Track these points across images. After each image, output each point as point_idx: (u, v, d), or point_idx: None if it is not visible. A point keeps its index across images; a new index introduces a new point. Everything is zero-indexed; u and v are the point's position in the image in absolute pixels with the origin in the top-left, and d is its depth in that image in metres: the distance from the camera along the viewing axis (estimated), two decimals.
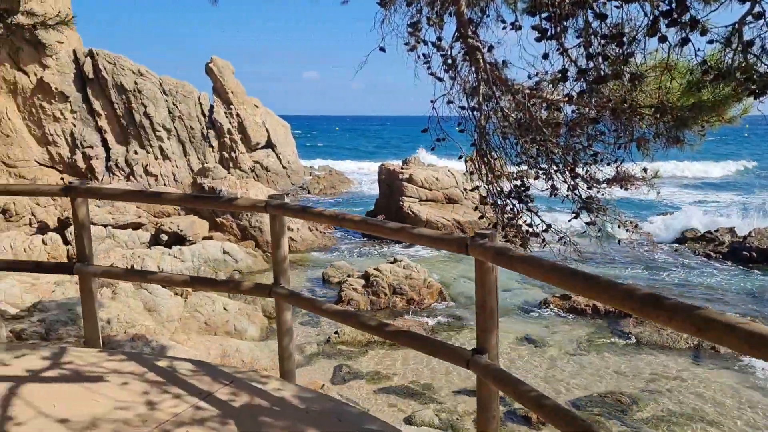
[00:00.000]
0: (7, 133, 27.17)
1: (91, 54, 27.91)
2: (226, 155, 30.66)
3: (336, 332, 11.60)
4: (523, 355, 10.60)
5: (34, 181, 18.61)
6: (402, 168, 22.11)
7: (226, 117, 30.79)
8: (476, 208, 5.85)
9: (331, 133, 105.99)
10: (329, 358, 10.70)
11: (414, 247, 19.01)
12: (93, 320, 4.41)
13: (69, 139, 28.19)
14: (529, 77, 5.12)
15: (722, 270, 16.54)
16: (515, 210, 5.20)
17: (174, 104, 29.43)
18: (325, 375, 9.93)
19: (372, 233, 3.24)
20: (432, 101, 5.04)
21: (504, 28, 5.02)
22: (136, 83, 28.31)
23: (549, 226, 5.13)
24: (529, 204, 5.19)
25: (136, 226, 16.46)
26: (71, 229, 15.47)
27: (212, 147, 30.50)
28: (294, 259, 17.76)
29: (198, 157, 30.18)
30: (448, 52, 5.06)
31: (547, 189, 5.11)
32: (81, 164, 28.12)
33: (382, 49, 5.09)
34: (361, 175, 40.03)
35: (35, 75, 26.95)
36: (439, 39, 5.09)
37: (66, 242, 15.29)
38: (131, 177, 28.50)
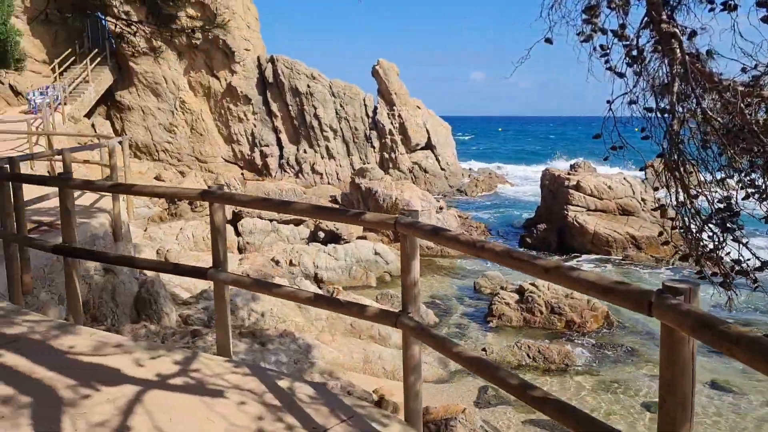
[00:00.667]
0: (201, 132, 30.74)
1: (272, 60, 30.36)
2: (386, 156, 31.30)
3: (484, 348, 10.87)
4: (710, 406, 8.84)
5: (217, 177, 20.58)
6: (568, 174, 20.41)
7: (389, 118, 31.41)
8: (660, 233, 4.77)
9: (495, 135, 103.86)
10: (475, 377, 9.99)
11: (577, 261, 17.36)
12: (224, 327, 4.31)
13: (250, 138, 31.01)
14: (744, 70, 3.96)
15: None
16: (716, 239, 4.07)
17: (341, 106, 30.79)
18: (468, 396, 9.26)
19: (516, 269, 2.54)
20: (608, 101, 4.14)
21: (711, 9, 3.94)
22: (308, 86, 30.15)
23: (765, 263, 3.90)
24: (737, 233, 4.02)
25: (298, 222, 17.31)
26: (242, 222, 16.76)
27: (374, 147, 31.36)
28: (445, 265, 17.31)
29: (360, 157, 31.24)
30: (634, 42, 4.11)
31: (764, 216, 3.90)
32: (258, 161, 30.78)
33: (548, 41, 4.30)
34: (522, 179, 38.26)
35: (225, 80, 30.07)
36: (623, 26, 4.16)
37: (237, 233, 16.57)
38: (299, 174, 30.46)
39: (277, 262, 14.56)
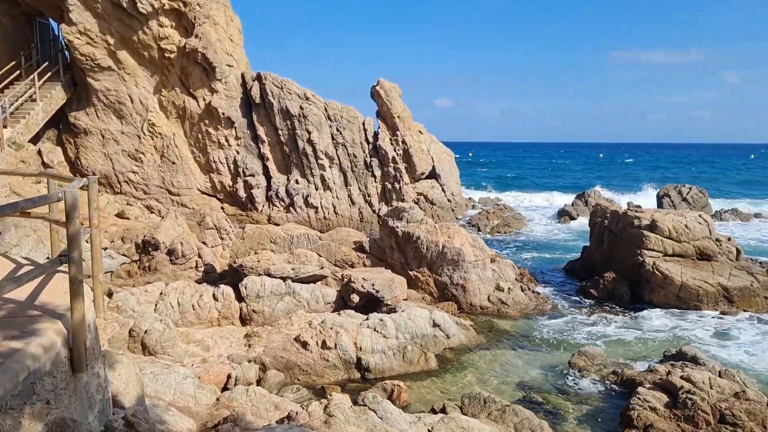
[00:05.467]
0: (173, 160, 26.23)
1: (259, 77, 26.30)
2: (389, 186, 27.47)
3: None
4: None
5: (204, 217, 16.26)
6: (637, 211, 16.98)
7: (392, 144, 27.69)
8: None
9: (471, 161, 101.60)
10: None
11: (704, 327, 13.43)
12: None
13: (231, 166, 26.68)
14: None
15: None
16: None
17: (338, 130, 26.91)
18: None
19: None
20: None
21: None
22: (301, 108, 26.18)
23: None
24: None
25: (318, 278, 13.17)
26: (246, 282, 12.49)
27: (374, 177, 27.50)
28: (509, 330, 13.42)
29: (359, 188, 27.32)
30: None
31: None
32: (242, 193, 26.43)
33: None
34: (530, 210, 35.05)
35: (204, 100, 25.79)
36: None
37: (240, 298, 12.31)
38: (291, 208, 26.25)
39: (304, 344, 10.37)
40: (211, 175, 26.53)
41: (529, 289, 15.07)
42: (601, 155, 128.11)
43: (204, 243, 15.80)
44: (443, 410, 8.90)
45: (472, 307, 14.14)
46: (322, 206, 26.31)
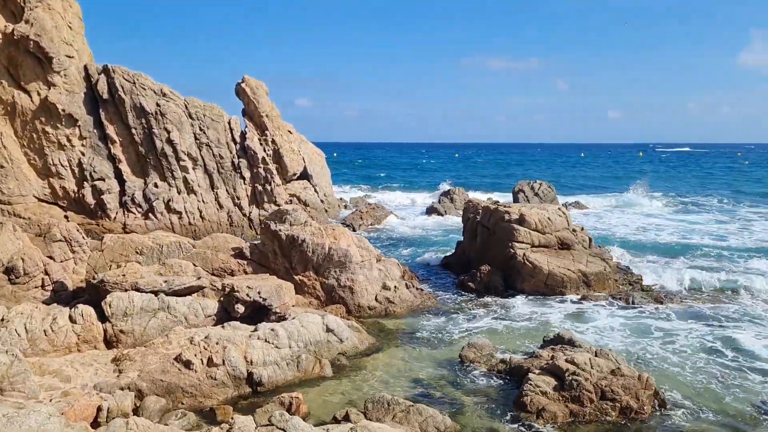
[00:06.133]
0: (1, 163, 22.64)
1: (105, 71, 23.64)
2: (260, 188, 26.34)
3: None
4: None
5: (31, 220, 14.09)
6: (506, 207, 17.97)
7: (261, 144, 26.55)
8: None
9: (338, 161, 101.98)
10: None
11: (572, 312, 14.39)
12: None
13: (76, 170, 23.71)
14: None
15: None
16: None
17: (201, 129, 25.15)
18: None
19: None
20: None
21: None
22: (158, 105, 24.02)
23: None
24: None
25: (195, 289, 12.00)
26: (110, 299, 10.96)
27: (244, 178, 26.18)
28: (398, 328, 13.41)
29: (227, 190, 25.83)
30: None
31: None
32: (89, 200, 23.61)
33: None
34: (399, 209, 35.84)
35: (38, 94, 22.58)
36: None
37: (103, 318, 10.78)
38: (150, 214, 24.00)
39: (186, 364, 9.32)
40: (51, 179, 23.34)
41: (413, 286, 15.23)
42: (457, 155, 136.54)
43: (51, 258, 13.68)
44: (346, 417, 8.52)
45: (360, 308, 13.90)
46: (186, 211, 24.41)
